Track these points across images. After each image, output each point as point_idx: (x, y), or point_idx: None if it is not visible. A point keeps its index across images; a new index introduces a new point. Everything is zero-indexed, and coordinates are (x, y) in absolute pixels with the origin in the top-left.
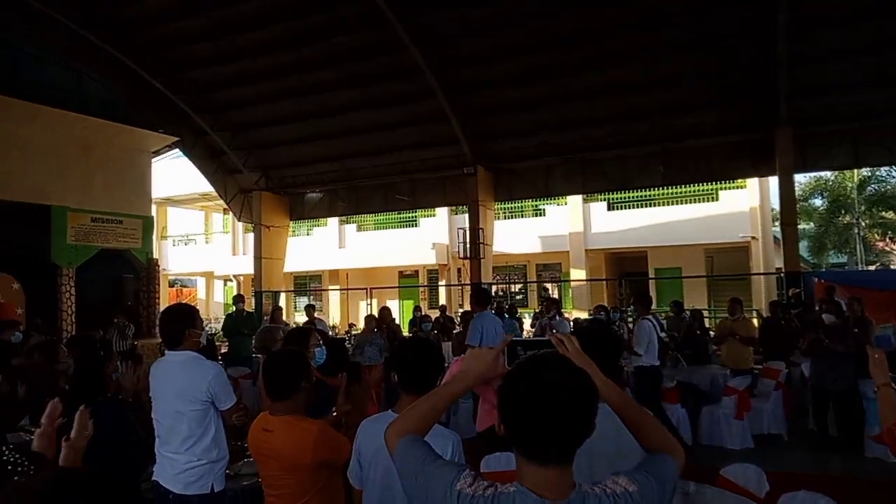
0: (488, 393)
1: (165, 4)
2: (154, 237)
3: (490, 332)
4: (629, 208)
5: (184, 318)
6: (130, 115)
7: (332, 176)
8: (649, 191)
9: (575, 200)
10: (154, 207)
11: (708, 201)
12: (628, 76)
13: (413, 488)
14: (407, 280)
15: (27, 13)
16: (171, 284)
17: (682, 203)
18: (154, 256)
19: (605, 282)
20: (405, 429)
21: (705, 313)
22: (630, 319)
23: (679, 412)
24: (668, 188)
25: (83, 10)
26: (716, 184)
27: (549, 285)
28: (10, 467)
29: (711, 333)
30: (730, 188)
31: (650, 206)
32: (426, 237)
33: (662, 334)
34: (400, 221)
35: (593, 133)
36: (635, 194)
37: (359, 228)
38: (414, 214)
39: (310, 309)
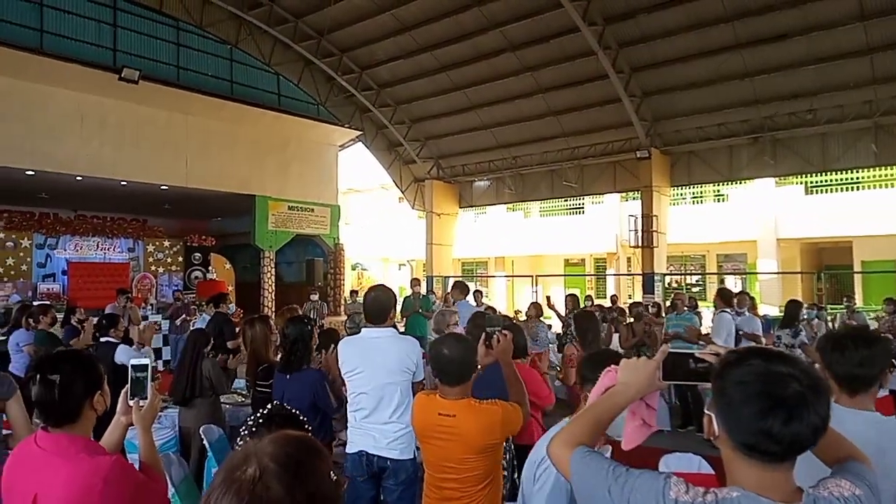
0: (640, 408)
1: (353, 7)
2: (340, 224)
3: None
4: (831, 192)
5: (393, 298)
6: (320, 111)
7: (500, 164)
8: (856, 172)
9: (764, 184)
10: (340, 197)
11: None
12: (839, 43)
13: (603, 502)
14: (573, 268)
15: (237, 24)
16: (353, 268)
17: None
18: (340, 241)
19: (800, 275)
20: (575, 440)
21: None
22: (829, 318)
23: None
24: (880, 169)
25: (282, 18)
26: None
27: (731, 277)
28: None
29: None
30: None
31: (857, 189)
32: (593, 225)
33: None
34: (567, 209)
35: (788, 108)
36: (839, 176)
37: (525, 216)
38: (581, 201)
39: (477, 294)
